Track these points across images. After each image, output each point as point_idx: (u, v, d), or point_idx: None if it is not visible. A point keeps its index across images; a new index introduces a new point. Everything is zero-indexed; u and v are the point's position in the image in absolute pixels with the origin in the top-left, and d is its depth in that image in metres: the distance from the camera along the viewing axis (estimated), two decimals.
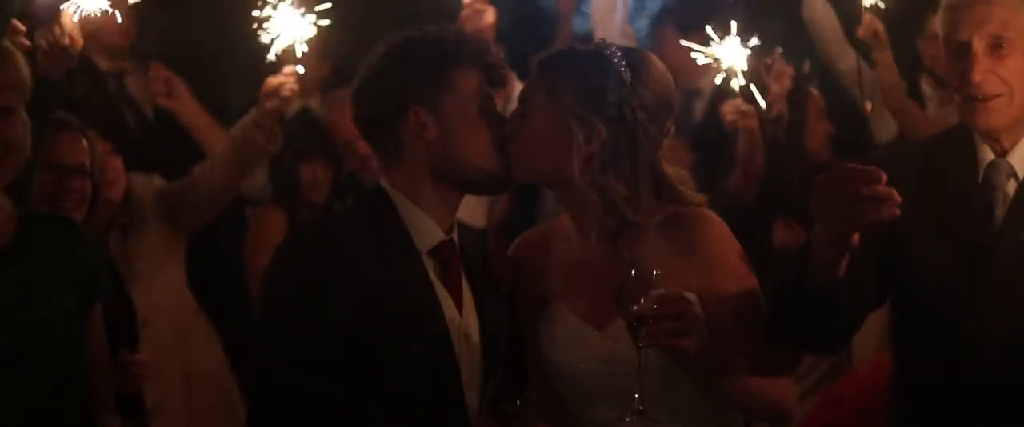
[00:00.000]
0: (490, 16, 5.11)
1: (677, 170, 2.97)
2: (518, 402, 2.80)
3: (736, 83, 5.12)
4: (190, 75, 5.38)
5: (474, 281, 2.96)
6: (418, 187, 2.90)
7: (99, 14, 3.38)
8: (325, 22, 4.28)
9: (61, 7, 3.33)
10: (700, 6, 5.65)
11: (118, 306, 3.67)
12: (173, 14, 5.43)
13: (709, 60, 5.11)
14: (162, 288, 4.74)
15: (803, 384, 5.03)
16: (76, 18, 3.34)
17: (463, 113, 2.89)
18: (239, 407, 4.74)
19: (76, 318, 2.83)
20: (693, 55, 5.15)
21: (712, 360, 2.80)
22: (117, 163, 4.54)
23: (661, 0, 6.04)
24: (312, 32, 4.23)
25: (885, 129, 5.66)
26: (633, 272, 2.73)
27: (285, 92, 4.44)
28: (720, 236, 2.91)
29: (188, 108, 5.32)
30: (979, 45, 2.86)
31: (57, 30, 3.30)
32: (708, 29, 5.07)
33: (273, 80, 4.43)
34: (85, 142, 3.84)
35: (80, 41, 3.34)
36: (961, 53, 2.88)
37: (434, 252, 2.89)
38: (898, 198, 2.56)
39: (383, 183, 2.94)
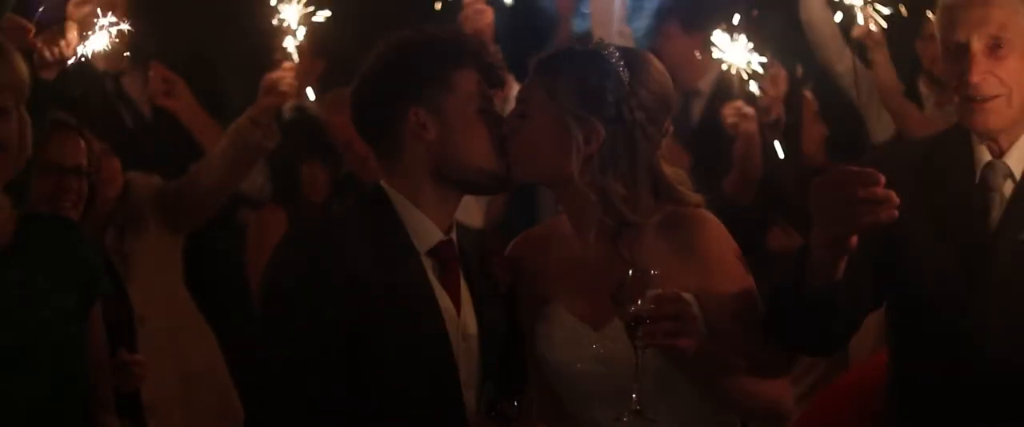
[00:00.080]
0: (488, 16, 5.12)
1: (676, 170, 2.98)
2: (515, 403, 2.80)
3: (753, 86, 5.09)
4: (190, 75, 5.39)
5: (472, 281, 2.96)
6: (417, 187, 2.90)
7: (108, 46, 3.40)
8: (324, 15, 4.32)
9: (67, 22, 3.34)
10: (704, 3, 5.65)
11: (117, 306, 3.67)
12: (173, 14, 5.43)
13: (724, 62, 5.09)
14: (160, 287, 4.73)
15: (800, 385, 5.03)
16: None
17: (463, 113, 2.89)
18: (238, 407, 4.74)
19: (76, 318, 2.83)
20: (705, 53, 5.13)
21: (710, 360, 2.80)
22: (114, 163, 4.54)
23: None
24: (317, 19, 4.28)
25: (882, 130, 5.67)
26: (631, 272, 2.73)
27: (283, 87, 4.45)
28: (718, 237, 2.92)
29: (188, 108, 5.33)
30: (978, 46, 2.86)
31: (63, 44, 3.30)
32: (718, 31, 5.06)
33: (271, 76, 4.45)
34: (82, 142, 3.84)
35: (75, 45, 3.35)
36: (959, 54, 2.88)
37: (433, 252, 2.90)
38: (896, 200, 2.56)
39: (382, 183, 2.94)
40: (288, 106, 5.44)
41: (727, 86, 5.23)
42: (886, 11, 5.21)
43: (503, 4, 5.62)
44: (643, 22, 6.09)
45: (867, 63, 5.49)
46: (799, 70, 5.76)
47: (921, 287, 2.93)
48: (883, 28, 5.24)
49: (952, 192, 2.93)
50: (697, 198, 2.95)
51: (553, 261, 3.00)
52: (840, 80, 5.82)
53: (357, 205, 2.99)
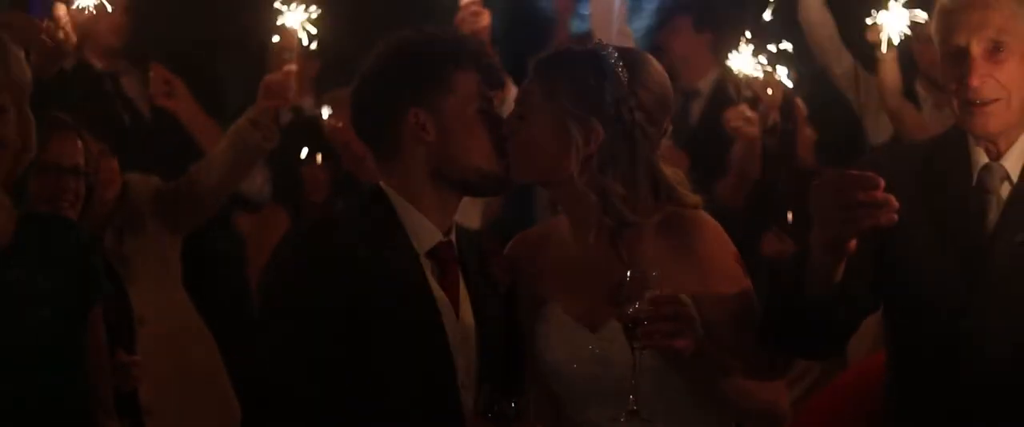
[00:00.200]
0: (486, 18, 5.11)
1: (675, 170, 2.98)
2: (513, 403, 2.80)
3: (776, 88, 5.08)
4: (190, 75, 5.38)
5: (471, 282, 2.96)
6: (417, 188, 2.91)
7: (93, 9, 3.38)
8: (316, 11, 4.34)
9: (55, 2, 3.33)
10: (717, 3, 5.65)
11: (116, 306, 3.67)
12: (172, 14, 5.43)
13: (757, 72, 5.08)
14: (159, 288, 4.72)
15: (798, 387, 5.02)
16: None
17: (463, 114, 2.89)
18: (236, 407, 4.73)
19: (76, 318, 2.83)
20: (734, 65, 5.12)
21: (707, 361, 2.80)
22: (112, 163, 4.54)
23: None
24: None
25: (879, 131, 5.67)
26: (629, 273, 2.73)
27: (284, 89, 4.45)
28: (716, 238, 2.92)
29: (188, 109, 5.33)
30: (977, 50, 2.86)
31: (52, 25, 3.30)
32: (744, 39, 5.05)
33: (272, 77, 4.45)
34: (80, 143, 3.83)
35: (74, 37, 3.34)
36: (958, 58, 2.88)
37: (432, 253, 2.90)
38: (895, 204, 2.56)
39: (382, 184, 2.94)
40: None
41: (727, 88, 5.23)
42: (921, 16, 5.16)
43: (502, 5, 5.62)
44: (643, 22, 6.10)
45: (868, 63, 5.48)
46: (793, 75, 5.76)
47: (920, 288, 2.93)
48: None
49: (950, 195, 2.93)
50: (696, 199, 2.96)
51: (552, 261, 3.00)
52: (838, 82, 5.83)
53: (356, 206, 2.99)
